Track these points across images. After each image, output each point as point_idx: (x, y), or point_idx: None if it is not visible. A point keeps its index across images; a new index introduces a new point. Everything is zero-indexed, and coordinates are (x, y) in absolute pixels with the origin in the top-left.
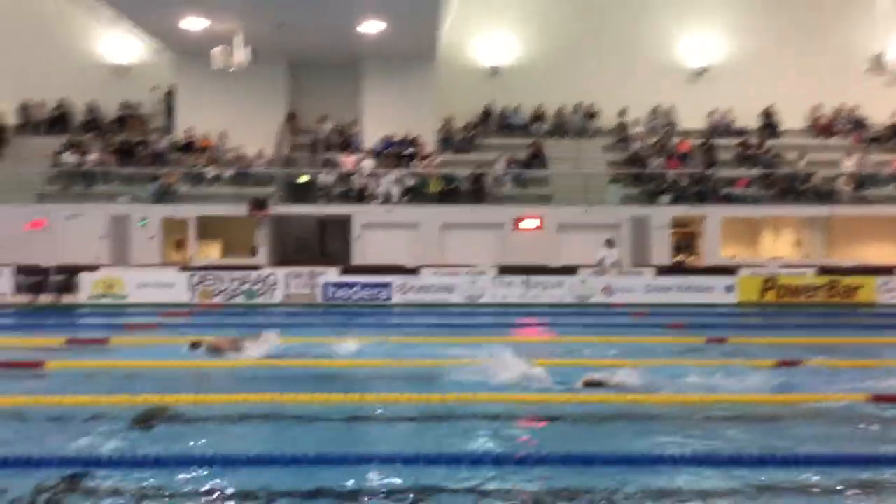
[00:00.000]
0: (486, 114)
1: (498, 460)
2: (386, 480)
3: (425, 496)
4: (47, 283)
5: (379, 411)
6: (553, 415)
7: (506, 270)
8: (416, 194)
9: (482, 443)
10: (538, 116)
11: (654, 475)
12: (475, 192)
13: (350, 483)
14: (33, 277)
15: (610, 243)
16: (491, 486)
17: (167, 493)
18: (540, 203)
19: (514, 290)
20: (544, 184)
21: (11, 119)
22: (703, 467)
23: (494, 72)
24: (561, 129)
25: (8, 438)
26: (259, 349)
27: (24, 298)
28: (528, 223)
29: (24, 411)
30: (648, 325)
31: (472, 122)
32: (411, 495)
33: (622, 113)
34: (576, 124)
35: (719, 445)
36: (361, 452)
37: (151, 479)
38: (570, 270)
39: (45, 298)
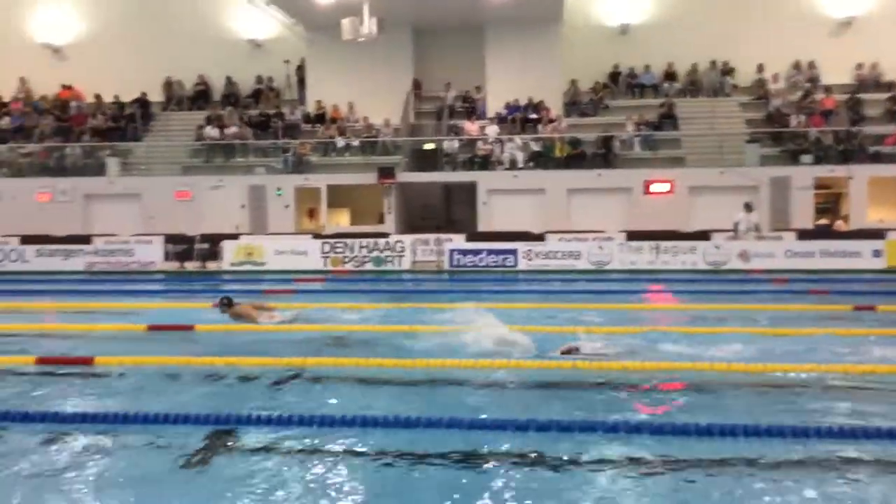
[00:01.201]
0: (614, 74)
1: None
2: (511, 447)
3: (550, 461)
4: (193, 250)
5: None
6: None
7: (635, 236)
8: (541, 159)
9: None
10: (670, 75)
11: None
12: (602, 155)
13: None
14: (180, 245)
15: (748, 207)
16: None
17: (307, 451)
18: (671, 166)
19: (644, 257)
20: (676, 145)
21: (157, 95)
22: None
23: (623, 30)
24: (694, 87)
25: (163, 396)
26: (284, 314)
27: (173, 265)
28: (659, 187)
29: (177, 371)
30: (789, 291)
31: (600, 83)
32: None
33: (760, 69)
34: (710, 82)
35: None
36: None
37: (292, 438)
38: (703, 235)
39: (191, 265)
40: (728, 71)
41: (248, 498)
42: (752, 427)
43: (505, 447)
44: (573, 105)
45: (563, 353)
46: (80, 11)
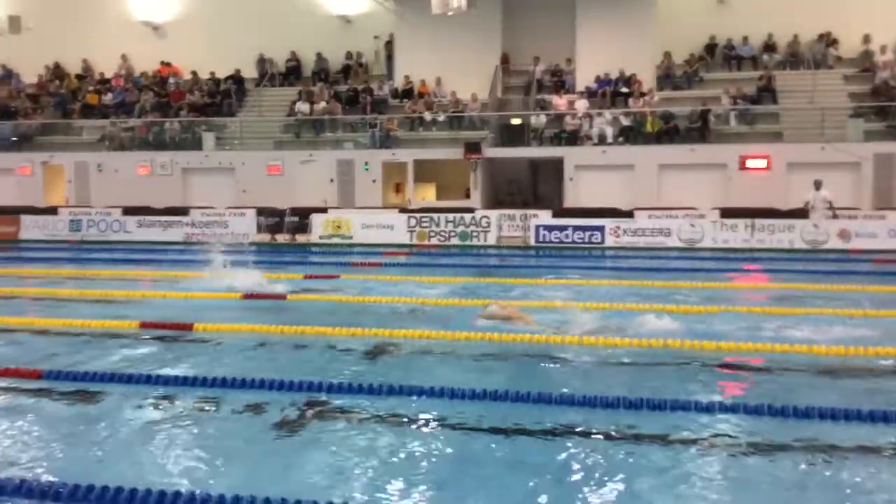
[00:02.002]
0: (711, 46)
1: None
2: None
3: (626, 439)
4: (283, 223)
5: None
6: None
7: (729, 213)
8: (631, 134)
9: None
10: (769, 47)
11: None
12: (696, 130)
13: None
14: (272, 218)
15: (817, 184)
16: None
17: (395, 420)
18: (768, 140)
19: (738, 235)
20: (774, 120)
21: (251, 72)
22: None
23: (720, 0)
24: (795, 59)
25: (257, 363)
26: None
27: (265, 237)
28: (755, 162)
29: (270, 339)
30: (891, 272)
31: (695, 55)
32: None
33: (867, 39)
34: (813, 54)
35: None
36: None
37: (381, 407)
38: (801, 213)
39: (282, 237)
40: (831, 42)
41: (337, 463)
42: (854, 412)
43: (594, 424)
44: (666, 78)
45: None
46: None
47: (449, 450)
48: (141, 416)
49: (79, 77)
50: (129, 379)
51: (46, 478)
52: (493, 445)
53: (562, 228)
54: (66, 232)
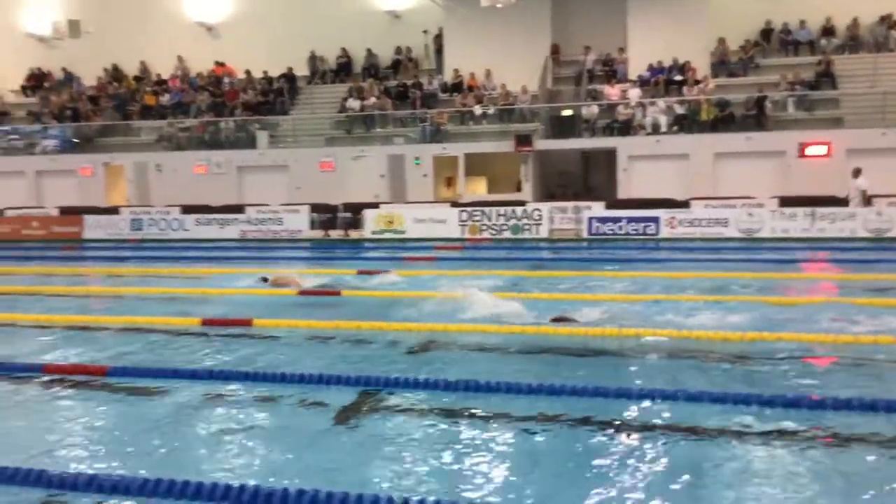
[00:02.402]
0: (766, 31)
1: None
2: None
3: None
4: (336, 219)
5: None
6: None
7: (788, 202)
8: (686, 123)
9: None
10: (827, 30)
11: None
12: (753, 117)
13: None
14: (325, 214)
15: (855, 172)
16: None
17: (449, 414)
18: (828, 127)
19: (798, 224)
20: (833, 105)
21: (302, 70)
22: None
23: None
24: (855, 43)
25: (313, 358)
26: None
27: (318, 233)
28: (815, 149)
29: (326, 334)
30: None
31: (750, 41)
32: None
33: None
34: (874, 36)
35: None
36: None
37: (436, 401)
38: (863, 201)
39: (335, 233)
40: (893, 24)
41: (395, 457)
42: None
43: (653, 416)
44: (721, 65)
45: (553, 321)
46: None
47: (505, 444)
48: (203, 411)
49: (136, 79)
50: (192, 375)
51: (116, 473)
52: (549, 439)
53: (615, 220)
54: (127, 231)
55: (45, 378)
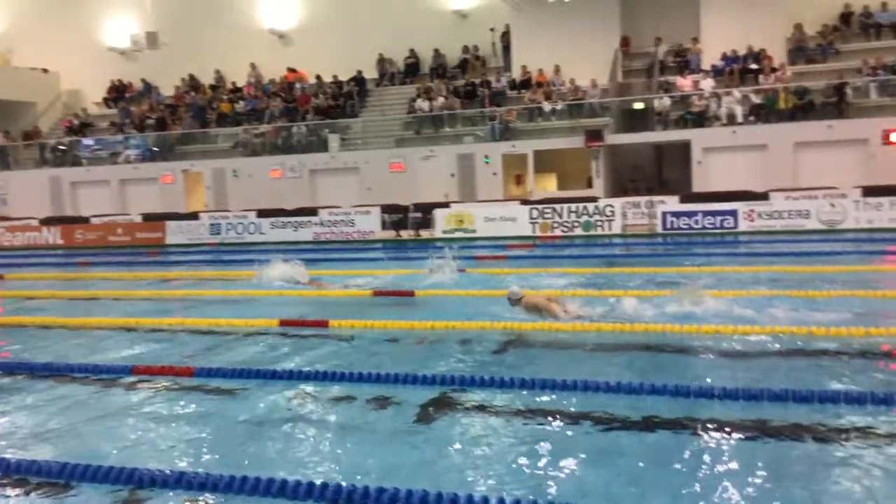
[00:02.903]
0: (846, 15)
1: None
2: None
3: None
4: (407, 219)
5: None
6: None
7: (872, 191)
8: (763, 112)
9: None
10: None
11: None
12: (833, 104)
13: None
14: (396, 215)
15: None
16: None
17: (526, 414)
18: None
19: (884, 214)
20: None
21: (371, 72)
22: None
23: None
24: None
25: (388, 357)
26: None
27: (389, 234)
28: None
29: (401, 334)
30: None
31: (828, 25)
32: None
33: None
34: None
35: None
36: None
37: (512, 400)
38: None
39: (406, 233)
40: None
41: (471, 456)
42: None
43: (735, 416)
44: (799, 51)
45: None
46: None
47: (583, 443)
48: (284, 410)
49: (212, 87)
50: (272, 375)
51: (202, 470)
52: (628, 438)
53: (691, 214)
54: (206, 235)
55: (134, 379)
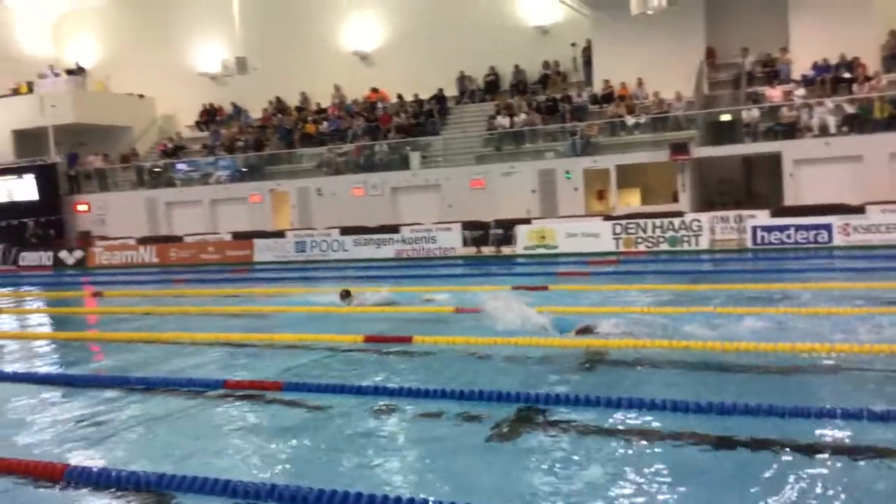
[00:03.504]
0: None
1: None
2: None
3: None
4: (488, 236)
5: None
6: None
7: None
8: (857, 122)
9: None
10: None
11: None
12: None
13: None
14: (477, 231)
15: None
16: None
17: (608, 431)
18: None
19: None
20: None
21: (451, 90)
22: None
23: None
24: None
25: (471, 373)
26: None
27: (470, 250)
28: None
29: (484, 350)
30: None
31: None
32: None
33: None
34: None
35: None
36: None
37: (593, 417)
38: None
39: (487, 250)
40: None
41: (553, 474)
42: None
43: (824, 436)
44: (894, 59)
45: (578, 332)
46: (384, 20)
47: (667, 463)
48: (369, 425)
49: (298, 109)
50: (357, 390)
51: (293, 482)
52: (714, 459)
53: (782, 228)
54: (292, 253)
55: (225, 392)
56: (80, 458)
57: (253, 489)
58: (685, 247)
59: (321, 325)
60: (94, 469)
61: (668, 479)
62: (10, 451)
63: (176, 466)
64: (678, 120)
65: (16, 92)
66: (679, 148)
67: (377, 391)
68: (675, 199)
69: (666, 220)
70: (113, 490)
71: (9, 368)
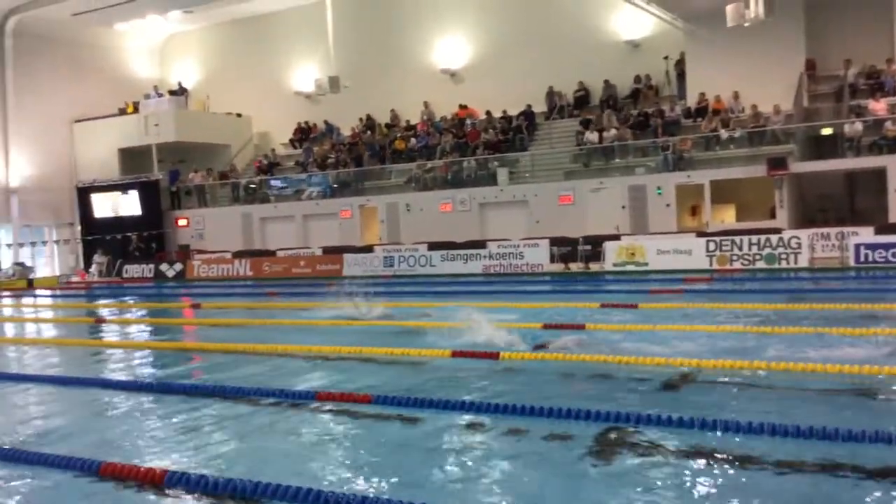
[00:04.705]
0: None
1: None
2: None
3: None
4: (577, 252)
5: None
6: None
7: None
8: None
9: None
10: None
11: None
12: None
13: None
14: (564, 248)
15: None
16: None
17: (695, 453)
18: None
19: None
20: None
21: (540, 106)
22: None
23: None
24: None
25: (560, 390)
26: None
27: (558, 267)
28: None
29: (572, 368)
30: None
31: None
32: None
33: None
34: None
35: None
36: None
37: (681, 439)
38: None
39: (575, 266)
40: None
41: (641, 495)
42: None
43: None
44: None
45: (535, 348)
46: (473, 37)
47: (755, 489)
48: (456, 440)
49: (388, 126)
50: (444, 405)
51: (380, 494)
52: (805, 486)
53: (888, 246)
54: (381, 267)
55: (317, 404)
56: (178, 464)
57: (344, 500)
58: (783, 265)
59: (408, 339)
60: (193, 475)
61: None
62: (113, 456)
63: (269, 475)
64: (776, 134)
65: (123, 112)
66: (777, 163)
67: (464, 406)
68: (773, 216)
69: (763, 237)
70: (210, 496)
71: (112, 376)
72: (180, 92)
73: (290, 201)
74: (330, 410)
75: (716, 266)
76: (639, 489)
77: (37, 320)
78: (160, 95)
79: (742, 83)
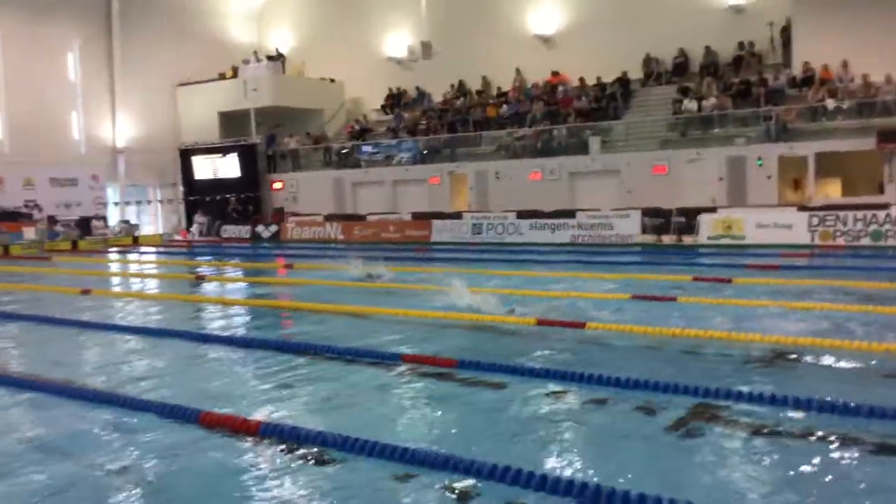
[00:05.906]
0: None
1: None
2: None
3: None
4: (670, 224)
5: None
6: None
7: None
8: None
9: None
10: None
11: None
12: None
13: None
14: (657, 219)
15: None
16: None
17: (780, 432)
18: None
19: None
20: None
21: (637, 73)
22: None
23: None
24: None
25: (647, 364)
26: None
27: (650, 238)
28: None
29: (660, 340)
30: None
31: None
32: None
33: None
34: None
35: None
36: None
37: (770, 416)
38: None
39: (668, 238)
40: None
41: (726, 470)
42: None
43: None
44: None
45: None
46: (567, 2)
47: (854, 472)
48: (539, 407)
49: (479, 93)
50: (529, 372)
51: (464, 455)
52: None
53: None
54: (469, 234)
55: (403, 367)
56: (272, 415)
57: (428, 457)
58: (890, 242)
59: (494, 306)
60: (286, 427)
61: (840, 490)
62: (211, 406)
63: (356, 430)
64: (887, 105)
65: (223, 76)
66: (888, 136)
67: (549, 374)
68: (881, 191)
69: (869, 213)
70: (300, 446)
71: (210, 331)
72: (277, 57)
73: (381, 167)
74: (416, 373)
75: (818, 242)
76: (718, 464)
77: (141, 276)
78: (258, 61)
79: (851, 51)
